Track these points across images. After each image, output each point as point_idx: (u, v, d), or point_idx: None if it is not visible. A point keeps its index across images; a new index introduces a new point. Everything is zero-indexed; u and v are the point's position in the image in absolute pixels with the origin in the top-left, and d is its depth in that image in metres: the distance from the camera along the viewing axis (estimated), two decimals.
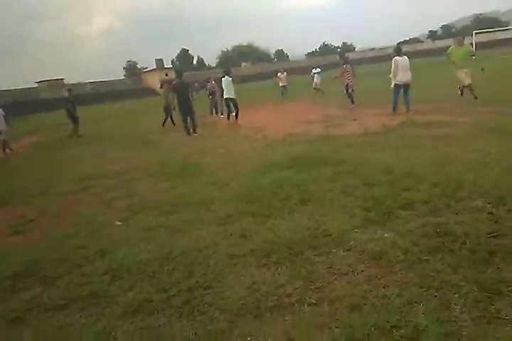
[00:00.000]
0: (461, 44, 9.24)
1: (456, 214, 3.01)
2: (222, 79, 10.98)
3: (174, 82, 11.26)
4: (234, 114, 11.02)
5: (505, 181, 3.49)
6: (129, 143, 10.14)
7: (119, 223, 3.88)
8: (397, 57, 8.70)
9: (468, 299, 1.98)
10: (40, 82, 53.68)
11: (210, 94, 15.11)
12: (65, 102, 13.59)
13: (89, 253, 3.18)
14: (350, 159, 5.05)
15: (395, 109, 8.86)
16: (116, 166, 7.12)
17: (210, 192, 4.53)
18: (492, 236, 2.54)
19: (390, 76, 8.93)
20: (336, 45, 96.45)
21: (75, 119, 13.26)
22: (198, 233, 3.33)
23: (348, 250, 2.68)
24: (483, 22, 76.93)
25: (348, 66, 11.83)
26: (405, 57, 8.82)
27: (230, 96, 10.85)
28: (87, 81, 51.85)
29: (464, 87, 9.12)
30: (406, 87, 8.74)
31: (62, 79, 55.46)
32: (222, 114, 14.87)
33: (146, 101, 33.59)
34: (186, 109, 10.00)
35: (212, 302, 2.29)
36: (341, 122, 8.83)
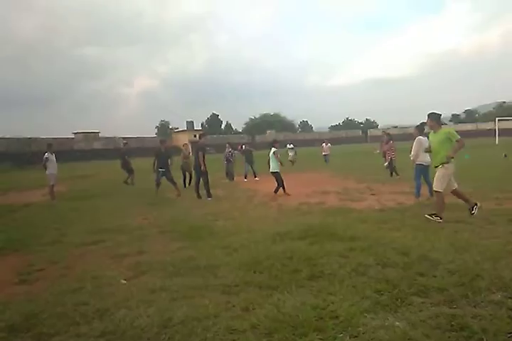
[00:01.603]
0: (434, 129, 6.24)
1: (474, 306, 2.84)
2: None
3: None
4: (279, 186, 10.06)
5: None
6: (148, 199, 10.37)
7: (124, 282, 3.83)
8: (421, 137, 8.17)
9: None
10: (77, 133, 57.50)
11: (226, 159, 15.44)
12: (122, 154, 15.22)
13: (89, 311, 3.10)
14: (365, 235, 4.97)
15: (419, 193, 8.10)
16: (132, 221, 7.21)
17: (219, 257, 4.47)
18: None
19: (411, 156, 8.17)
20: (359, 121, 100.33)
21: (129, 169, 14.68)
22: (201, 301, 3.23)
23: (355, 337, 2.52)
24: (506, 109, 79.49)
25: (392, 143, 12.70)
26: (426, 137, 8.02)
27: (271, 170, 10.15)
28: (120, 136, 54.97)
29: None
30: (427, 168, 8.13)
31: (97, 132, 59.44)
32: (245, 178, 15.14)
33: (174, 160, 34.81)
34: (197, 172, 10.23)
35: None
36: (358, 196, 8.86)
